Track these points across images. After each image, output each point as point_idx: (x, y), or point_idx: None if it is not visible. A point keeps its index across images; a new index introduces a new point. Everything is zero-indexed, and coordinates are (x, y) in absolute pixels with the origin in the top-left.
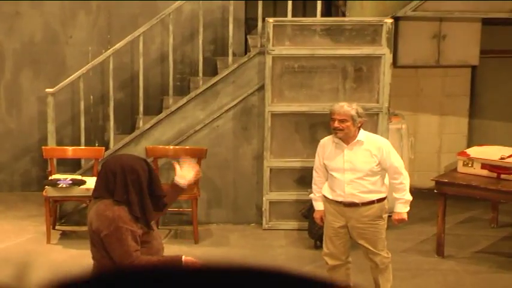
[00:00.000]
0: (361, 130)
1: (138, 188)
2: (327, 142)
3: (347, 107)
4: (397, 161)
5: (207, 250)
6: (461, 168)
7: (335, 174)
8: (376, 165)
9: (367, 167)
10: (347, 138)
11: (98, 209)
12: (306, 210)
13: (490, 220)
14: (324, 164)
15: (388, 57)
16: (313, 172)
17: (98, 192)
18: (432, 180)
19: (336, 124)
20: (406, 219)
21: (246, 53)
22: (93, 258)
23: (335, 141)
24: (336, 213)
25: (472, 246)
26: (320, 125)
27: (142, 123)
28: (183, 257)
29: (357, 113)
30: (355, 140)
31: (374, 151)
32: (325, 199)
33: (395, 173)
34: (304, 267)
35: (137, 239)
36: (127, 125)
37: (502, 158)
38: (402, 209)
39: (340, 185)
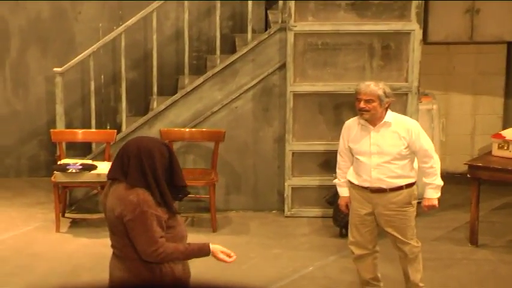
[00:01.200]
0: (389, 111)
1: (154, 173)
2: (352, 124)
3: (373, 87)
4: (427, 143)
5: (225, 239)
6: (496, 151)
7: (361, 158)
8: (405, 148)
9: (395, 150)
10: (374, 120)
11: (120, 193)
12: (331, 197)
13: None
14: (349, 147)
15: (417, 33)
16: (338, 156)
17: (111, 174)
18: (465, 164)
19: (362, 105)
20: (437, 205)
21: (266, 30)
22: (113, 246)
23: (361, 122)
24: (362, 199)
25: (507, 234)
26: (345, 106)
27: (156, 105)
28: (211, 246)
29: (384, 92)
30: (382, 121)
31: (402, 133)
32: (351, 185)
33: (425, 156)
34: (328, 257)
35: (163, 224)
36: (140, 106)
37: None
38: (433, 195)
39: (366, 169)
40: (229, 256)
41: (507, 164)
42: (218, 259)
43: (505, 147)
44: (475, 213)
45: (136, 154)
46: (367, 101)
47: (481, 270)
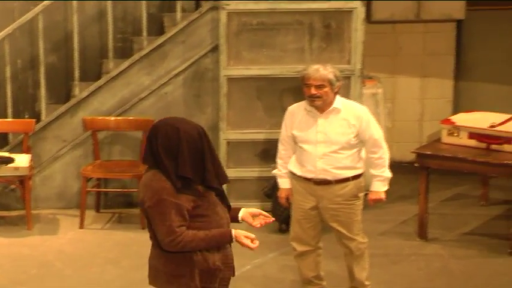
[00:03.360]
0: (337, 96)
1: (157, 154)
2: (296, 109)
3: (323, 70)
4: (377, 132)
5: None
6: (445, 138)
7: (305, 146)
8: (354, 137)
9: (343, 139)
10: (322, 106)
11: (146, 179)
12: (269, 189)
13: (479, 197)
14: (292, 135)
15: (360, 11)
16: (279, 144)
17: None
18: (413, 152)
19: (313, 91)
20: (384, 199)
21: (197, 9)
22: (150, 238)
23: (307, 108)
24: (305, 192)
25: (459, 227)
26: (284, 91)
27: (78, 91)
28: (233, 232)
29: (335, 76)
30: (331, 107)
31: (352, 120)
32: (293, 176)
33: (375, 146)
34: (267, 254)
35: (184, 214)
36: (61, 93)
37: (492, 126)
38: (380, 188)
39: (311, 159)
40: (252, 242)
41: (457, 152)
42: (242, 244)
43: (455, 134)
44: (424, 205)
45: (149, 133)
46: (318, 87)
47: (431, 266)
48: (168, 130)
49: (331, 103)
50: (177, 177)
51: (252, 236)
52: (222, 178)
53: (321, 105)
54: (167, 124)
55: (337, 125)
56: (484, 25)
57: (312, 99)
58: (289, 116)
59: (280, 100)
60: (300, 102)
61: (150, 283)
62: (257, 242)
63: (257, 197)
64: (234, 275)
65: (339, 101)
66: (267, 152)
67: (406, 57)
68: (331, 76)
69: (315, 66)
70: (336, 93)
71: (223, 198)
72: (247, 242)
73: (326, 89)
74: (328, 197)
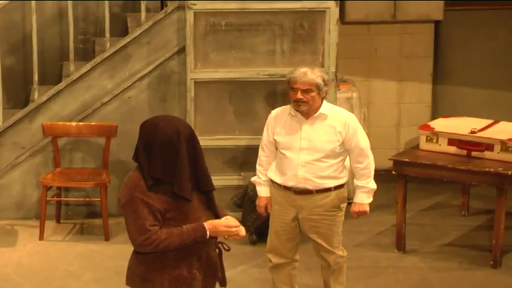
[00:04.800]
0: (324, 101)
1: (136, 151)
2: (280, 114)
3: (311, 74)
4: (363, 140)
5: (120, 248)
6: (424, 145)
7: (287, 153)
8: (339, 145)
9: (328, 147)
10: (308, 111)
11: (127, 176)
12: (239, 198)
13: (459, 206)
14: (274, 140)
15: (334, 12)
16: (260, 150)
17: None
18: (390, 159)
19: (299, 95)
20: (368, 211)
21: (162, 8)
22: None
23: (292, 113)
24: (285, 202)
25: (438, 238)
26: (255, 95)
27: (37, 95)
28: (205, 225)
29: (323, 80)
30: (318, 113)
31: (339, 128)
32: (272, 184)
33: (361, 155)
34: (237, 266)
35: (156, 214)
36: (19, 97)
37: (472, 132)
38: (364, 200)
39: (292, 166)
40: (234, 226)
41: (436, 159)
42: (223, 234)
43: (434, 140)
44: (401, 214)
45: (140, 131)
46: (305, 91)
47: (409, 279)
48: (149, 127)
49: (317, 108)
50: (149, 176)
51: (227, 222)
52: (205, 185)
53: (306, 110)
54: (151, 121)
55: (323, 132)
56: (464, 26)
57: (297, 103)
58: (272, 120)
59: (251, 104)
60: (285, 106)
61: (126, 283)
62: (242, 230)
63: (226, 206)
64: (224, 285)
65: (326, 107)
66: (236, 159)
67: (382, 60)
68: (319, 80)
69: (303, 69)
70: (323, 98)
71: (210, 204)
72: (228, 229)
73: (313, 94)
74: (308, 207)
